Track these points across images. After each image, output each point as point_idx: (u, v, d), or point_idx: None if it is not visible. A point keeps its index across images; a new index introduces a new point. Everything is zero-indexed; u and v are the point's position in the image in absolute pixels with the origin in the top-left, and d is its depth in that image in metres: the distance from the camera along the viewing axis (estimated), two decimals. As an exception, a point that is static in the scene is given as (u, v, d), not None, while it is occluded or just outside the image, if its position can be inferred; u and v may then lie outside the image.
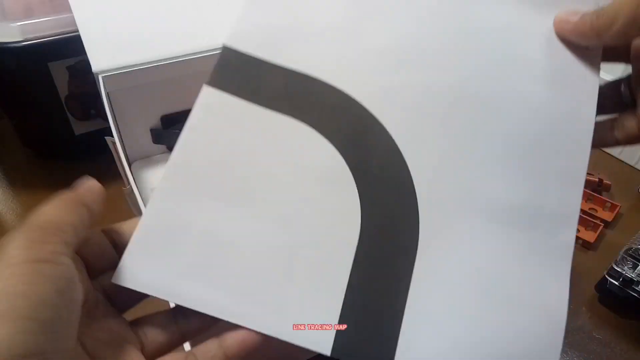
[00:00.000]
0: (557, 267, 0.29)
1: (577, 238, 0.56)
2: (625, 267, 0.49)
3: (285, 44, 0.31)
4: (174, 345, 0.26)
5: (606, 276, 0.49)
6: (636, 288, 0.48)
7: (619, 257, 0.50)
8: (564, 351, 0.46)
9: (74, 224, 0.23)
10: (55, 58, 0.57)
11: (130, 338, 0.25)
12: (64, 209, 0.24)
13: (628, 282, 0.48)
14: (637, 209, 0.61)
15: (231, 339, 0.26)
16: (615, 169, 0.67)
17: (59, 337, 0.19)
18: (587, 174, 0.62)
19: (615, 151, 0.69)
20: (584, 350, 0.46)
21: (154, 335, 0.26)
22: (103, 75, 0.48)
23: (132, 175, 0.53)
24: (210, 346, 0.26)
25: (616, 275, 0.49)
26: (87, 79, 0.59)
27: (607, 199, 0.60)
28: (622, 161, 0.69)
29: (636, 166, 0.68)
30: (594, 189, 0.62)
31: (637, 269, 0.49)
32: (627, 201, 0.62)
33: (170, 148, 0.57)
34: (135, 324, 0.26)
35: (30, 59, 0.56)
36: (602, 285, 0.49)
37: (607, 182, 0.62)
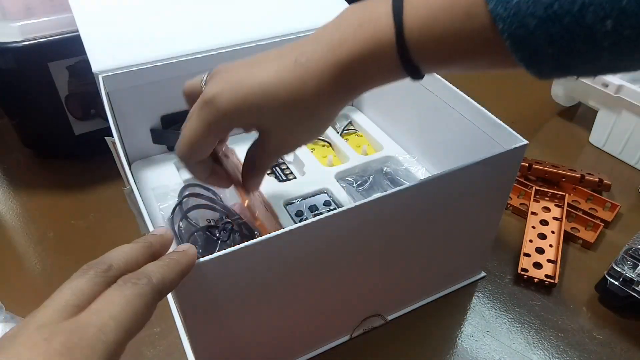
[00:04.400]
0: None
1: (577, 238, 0.56)
2: (625, 267, 0.49)
3: None
4: None
5: (606, 276, 0.49)
6: (636, 288, 0.48)
7: (619, 257, 0.50)
8: (564, 351, 0.46)
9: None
10: (55, 58, 0.57)
11: None
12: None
13: (628, 282, 0.48)
14: (637, 209, 0.61)
15: None
16: (615, 169, 0.67)
17: None
18: (587, 174, 0.62)
19: (615, 151, 0.69)
20: (584, 350, 0.46)
21: None
22: (103, 75, 0.48)
23: (132, 175, 0.53)
24: None
25: (616, 275, 0.49)
26: (87, 79, 0.59)
27: (607, 199, 0.60)
28: (622, 161, 0.69)
29: (636, 166, 0.68)
30: (594, 189, 0.62)
31: (637, 269, 0.49)
32: (627, 201, 0.62)
33: (170, 148, 0.57)
34: None
35: (30, 59, 0.56)
36: (602, 285, 0.49)
37: (607, 182, 0.62)
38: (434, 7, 0.27)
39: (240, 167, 0.40)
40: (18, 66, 0.56)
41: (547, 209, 0.59)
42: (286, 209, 0.49)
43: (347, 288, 0.42)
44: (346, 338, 0.46)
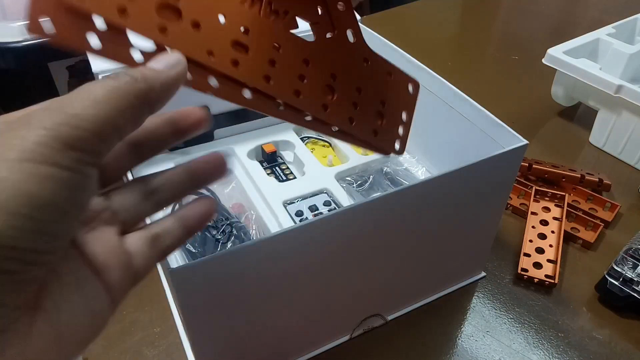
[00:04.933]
0: None
1: (577, 238, 0.56)
2: (625, 267, 0.49)
3: None
4: (146, 215, 0.25)
5: (606, 276, 0.49)
6: (636, 288, 0.48)
7: (619, 257, 0.50)
8: (564, 351, 0.46)
9: (121, 129, 0.20)
10: (55, 58, 0.57)
11: (105, 216, 0.23)
12: (114, 103, 0.20)
13: (628, 282, 0.48)
14: (637, 209, 0.61)
15: (191, 211, 0.26)
16: (615, 169, 0.68)
17: (56, 239, 0.19)
18: (587, 174, 0.62)
19: (615, 151, 0.69)
20: (584, 350, 0.46)
21: (126, 209, 0.25)
22: (103, 75, 0.48)
23: (132, 175, 0.53)
24: (169, 221, 0.25)
25: (616, 275, 0.49)
26: (87, 79, 0.59)
27: (607, 199, 0.60)
28: (622, 161, 0.69)
29: (636, 166, 0.68)
30: (594, 189, 0.62)
31: (637, 269, 0.49)
32: (627, 201, 0.62)
33: (170, 148, 0.57)
34: (107, 196, 0.25)
35: (30, 59, 0.56)
36: (602, 285, 0.49)
37: (607, 182, 0.62)
38: None
39: None
40: (18, 66, 0.57)
41: (547, 209, 0.59)
42: (286, 209, 0.50)
43: (347, 288, 0.42)
44: (346, 338, 0.46)
